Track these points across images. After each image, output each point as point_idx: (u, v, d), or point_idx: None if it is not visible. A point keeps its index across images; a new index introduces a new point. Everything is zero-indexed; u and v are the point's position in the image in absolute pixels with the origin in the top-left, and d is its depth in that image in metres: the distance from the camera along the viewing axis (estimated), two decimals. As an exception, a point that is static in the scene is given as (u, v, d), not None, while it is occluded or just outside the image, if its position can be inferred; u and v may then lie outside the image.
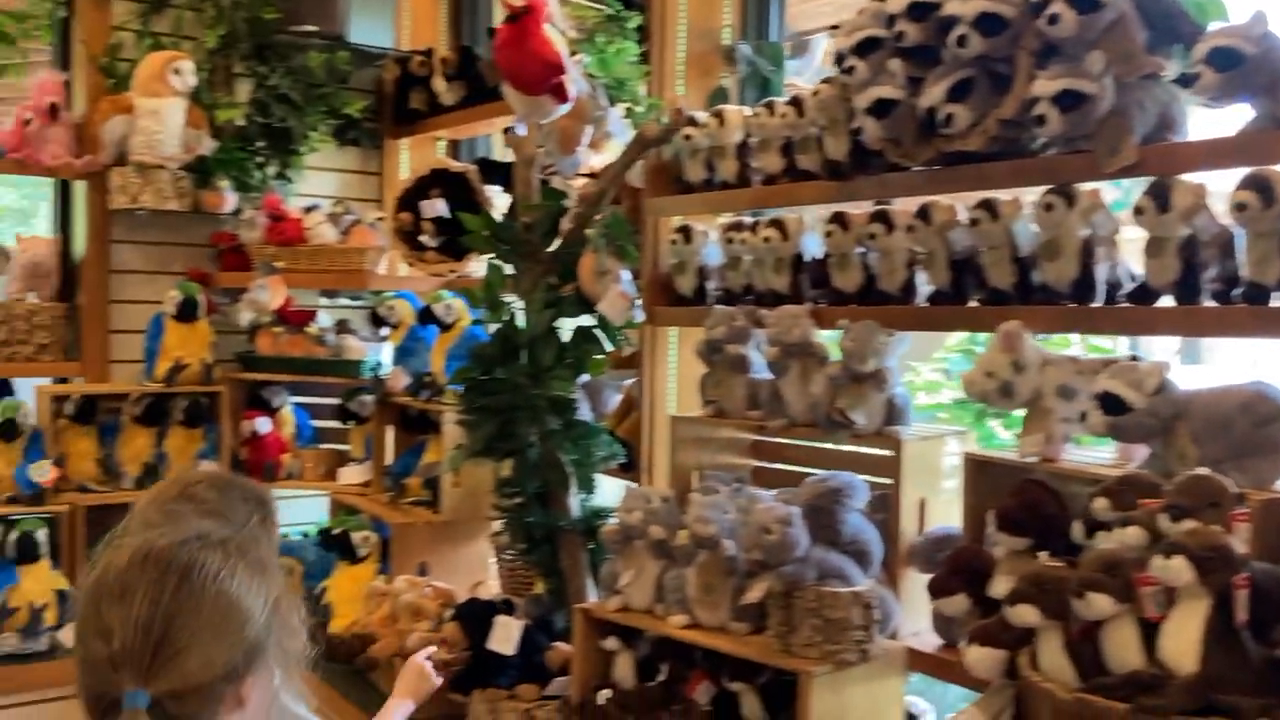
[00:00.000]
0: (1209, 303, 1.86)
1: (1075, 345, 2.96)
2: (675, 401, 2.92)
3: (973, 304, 2.22)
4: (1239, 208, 1.75)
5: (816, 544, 2.08)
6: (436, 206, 3.66)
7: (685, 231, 2.76)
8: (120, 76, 3.68)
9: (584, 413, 2.71)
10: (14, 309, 3.64)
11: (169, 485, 1.75)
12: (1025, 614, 1.52)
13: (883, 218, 2.32)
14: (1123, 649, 1.44)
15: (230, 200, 3.80)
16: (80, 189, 3.76)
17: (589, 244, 2.53)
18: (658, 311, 2.84)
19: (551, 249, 2.62)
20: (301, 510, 3.99)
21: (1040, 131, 1.95)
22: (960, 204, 2.24)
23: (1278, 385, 1.79)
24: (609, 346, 2.61)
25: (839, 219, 2.40)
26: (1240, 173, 1.79)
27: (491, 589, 3.26)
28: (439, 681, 2.11)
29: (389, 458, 3.66)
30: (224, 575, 1.21)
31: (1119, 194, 2.18)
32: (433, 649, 2.18)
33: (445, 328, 3.44)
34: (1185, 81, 1.82)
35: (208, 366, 3.70)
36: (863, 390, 2.28)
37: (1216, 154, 1.86)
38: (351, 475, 3.74)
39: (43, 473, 3.40)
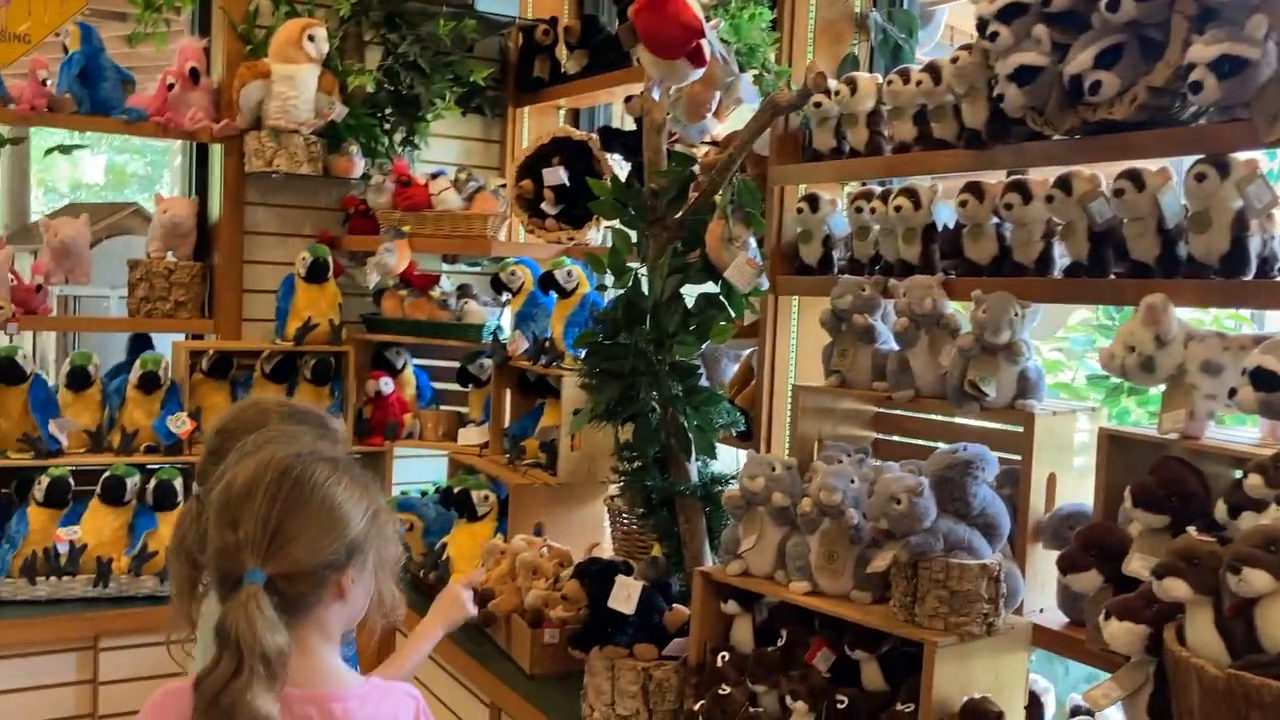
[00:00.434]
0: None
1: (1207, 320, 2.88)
2: (795, 371, 2.92)
3: (1112, 277, 2.17)
4: None
5: (944, 515, 2.07)
6: (558, 174, 3.70)
7: (812, 200, 2.75)
8: (257, 43, 3.80)
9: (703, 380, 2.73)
10: (154, 267, 3.80)
11: (269, 412, 1.98)
12: (1175, 588, 1.49)
13: (1020, 188, 2.28)
14: (1278, 627, 1.40)
15: (359, 165, 3.90)
16: (217, 152, 3.90)
17: (717, 211, 2.53)
18: (781, 280, 2.84)
19: (678, 215, 2.63)
20: (421, 469, 4.10)
21: (1195, 99, 1.89)
22: (1102, 174, 2.19)
23: None
24: (734, 314, 2.61)
25: (974, 189, 2.36)
26: None
27: (607, 551, 3.32)
28: (474, 611, 2.18)
29: (507, 420, 3.73)
30: (330, 483, 1.45)
31: (1275, 165, 2.10)
32: (479, 575, 2.20)
33: (565, 294, 3.48)
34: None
35: (336, 327, 3.81)
36: (995, 362, 2.24)
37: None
38: (470, 436, 3.83)
39: (180, 424, 3.55)
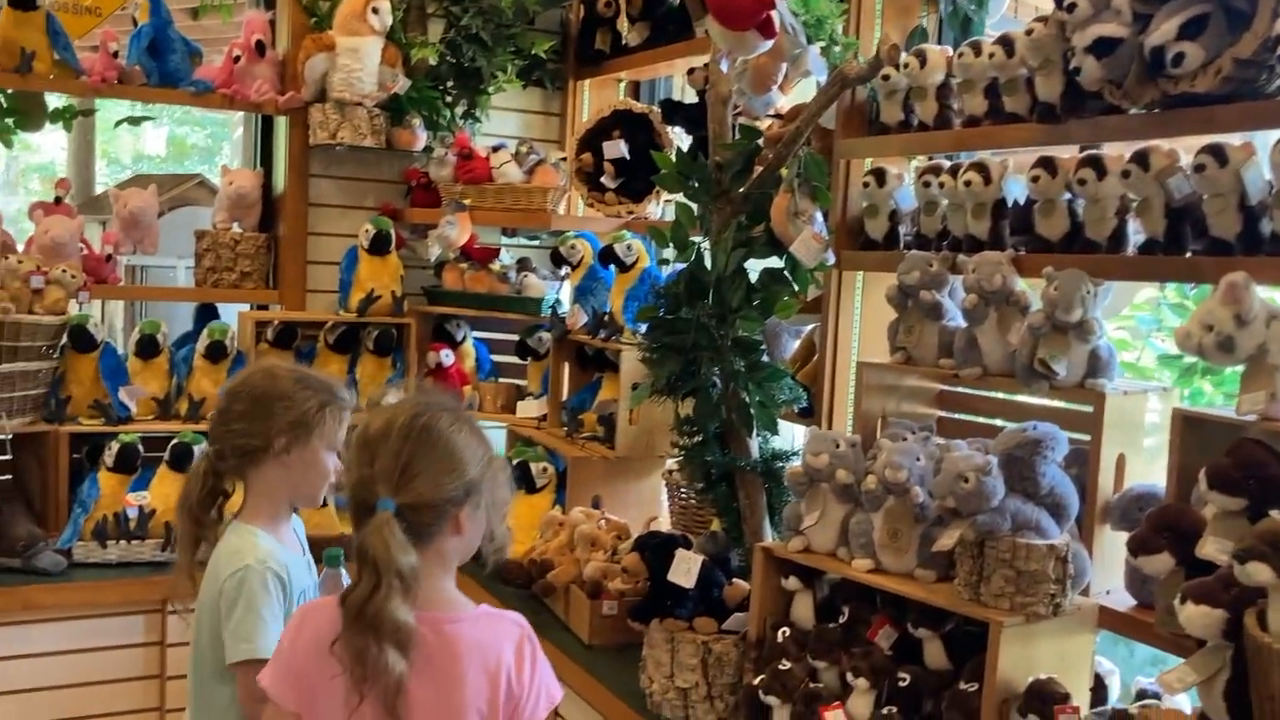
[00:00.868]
0: None
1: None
2: (858, 347, 2.89)
3: (1190, 254, 2.12)
4: None
5: (1012, 495, 2.04)
6: (618, 147, 3.69)
7: (878, 174, 2.71)
8: (322, 15, 3.82)
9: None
10: (220, 238, 3.85)
11: (278, 376, 2.11)
12: (1259, 573, 1.46)
13: (1094, 163, 2.24)
14: (1363, 614, 1.37)
15: (421, 138, 3.92)
16: (281, 125, 3.93)
17: (783, 184, 2.51)
18: (846, 255, 2.81)
19: (742, 189, 2.61)
20: (479, 441, 4.13)
21: (1282, 71, 1.84)
22: (1180, 149, 2.14)
23: None
24: (798, 289, 2.59)
25: (1046, 163, 2.32)
26: None
27: (664, 525, 3.33)
28: None
29: (565, 394, 3.75)
30: (452, 430, 1.63)
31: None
32: None
33: (624, 268, 3.48)
34: None
35: (398, 299, 3.84)
36: (1065, 341, 2.21)
37: None
38: (529, 409, 3.85)
39: (245, 393, 3.59)
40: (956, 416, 2.75)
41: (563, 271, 3.77)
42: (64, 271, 3.43)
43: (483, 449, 1.67)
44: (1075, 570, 2.05)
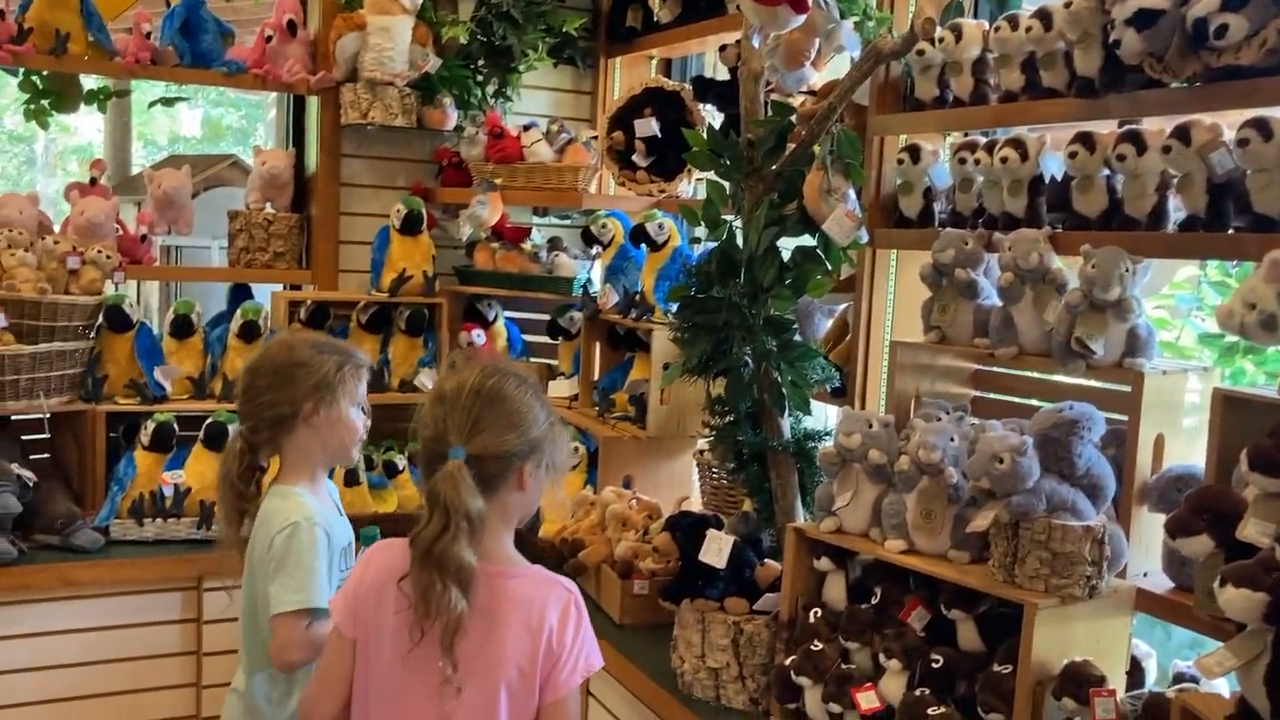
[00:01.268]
0: None
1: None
2: (892, 326, 2.87)
3: (1232, 231, 2.08)
4: None
5: (1048, 475, 2.02)
6: (649, 125, 3.67)
7: (913, 151, 2.68)
8: (353, -5, 3.82)
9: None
10: (253, 218, 3.87)
11: (297, 346, 2.23)
12: (1300, 555, 1.43)
13: (1134, 138, 2.19)
14: None
15: (452, 117, 3.92)
16: (313, 105, 3.94)
17: (816, 162, 2.48)
18: (880, 233, 2.78)
19: (774, 167, 2.59)
20: (510, 420, 4.13)
21: (1330, 43, 1.80)
22: (1223, 123, 2.09)
23: None
24: (831, 267, 2.57)
25: (1085, 139, 2.28)
26: None
27: (695, 505, 3.32)
28: None
29: (596, 373, 3.74)
30: (518, 392, 1.76)
31: None
32: None
33: (656, 247, 3.46)
34: None
35: (429, 279, 3.85)
36: (1103, 319, 2.17)
37: None
38: (560, 389, 3.85)
39: (279, 373, 3.62)
40: (991, 396, 2.72)
41: (594, 251, 3.76)
42: (100, 252, 3.46)
43: (545, 413, 1.79)
44: (1112, 552, 2.03)
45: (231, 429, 3.41)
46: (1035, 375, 2.59)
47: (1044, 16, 2.32)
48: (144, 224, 3.78)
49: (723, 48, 3.33)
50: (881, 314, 2.86)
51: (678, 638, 2.54)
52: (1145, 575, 2.19)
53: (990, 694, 1.99)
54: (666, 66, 4.24)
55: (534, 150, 3.75)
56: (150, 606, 3.36)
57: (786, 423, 2.67)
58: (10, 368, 3.24)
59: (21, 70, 3.67)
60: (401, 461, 3.76)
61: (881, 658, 2.18)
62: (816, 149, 2.49)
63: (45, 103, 3.79)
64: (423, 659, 1.70)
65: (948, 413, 2.37)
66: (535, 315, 4.15)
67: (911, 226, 2.74)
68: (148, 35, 3.59)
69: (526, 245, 3.91)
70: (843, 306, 3.08)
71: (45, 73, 3.74)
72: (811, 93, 2.99)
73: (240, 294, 3.99)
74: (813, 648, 2.27)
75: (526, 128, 3.80)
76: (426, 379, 3.83)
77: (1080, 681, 1.90)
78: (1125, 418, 2.20)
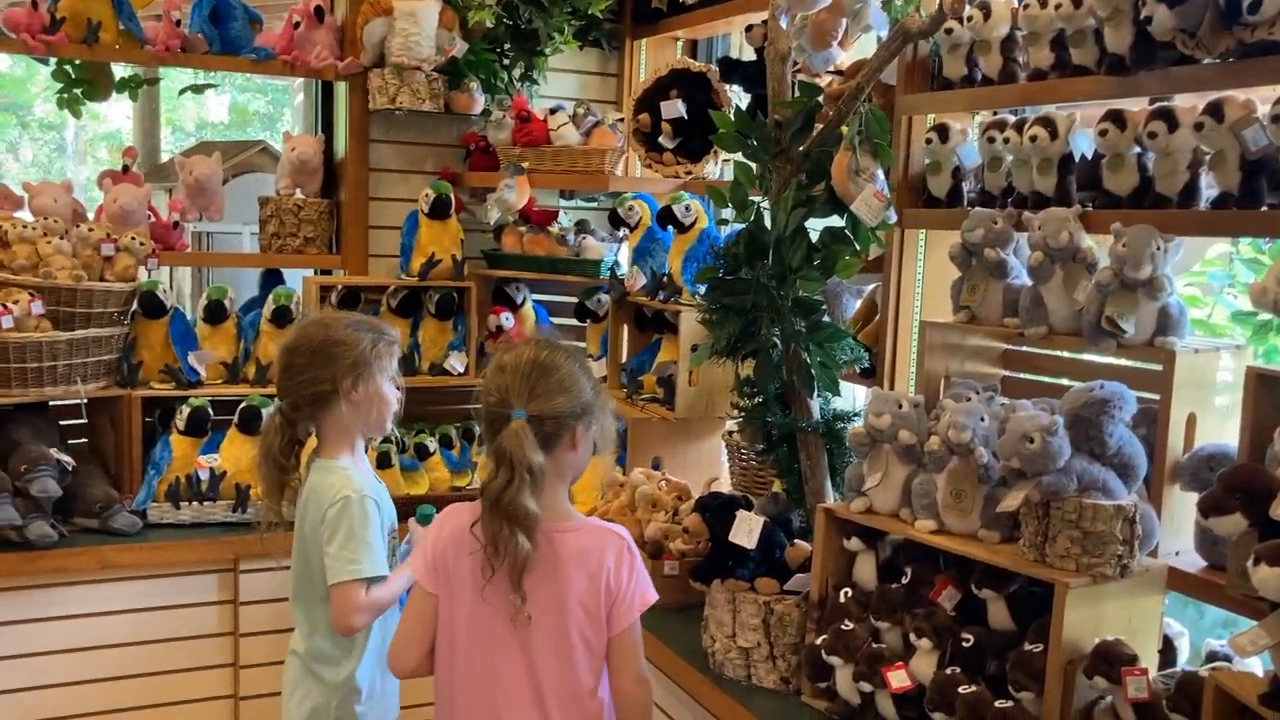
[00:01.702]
0: None
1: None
2: (920, 307, 2.86)
3: (1266, 208, 2.06)
4: None
5: (1079, 455, 2.02)
6: (676, 107, 3.67)
7: (941, 130, 2.67)
8: (379, -20, 3.82)
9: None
10: (283, 204, 3.90)
11: (330, 325, 2.36)
12: (1334, 533, 1.43)
13: (1165, 115, 2.18)
14: None
15: (479, 101, 3.92)
16: (341, 90, 3.96)
17: (844, 142, 2.48)
18: (908, 213, 2.77)
19: (802, 147, 2.58)
20: (539, 402, 4.16)
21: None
22: (1257, 99, 2.07)
23: None
24: (859, 248, 2.57)
25: (1115, 117, 2.27)
26: None
27: (725, 486, 3.34)
28: None
29: (624, 356, 3.76)
30: (568, 362, 1.96)
31: None
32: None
33: (683, 229, 3.47)
34: None
35: (458, 262, 3.87)
36: (1134, 298, 2.17)
37: None
38: (588, 371, 3.85)
39: (311, 357, 3.65)
40: (1021, 376, 2.72)
41: (621, 233, 3.77)
42: (133, 239, 3.50)
43: (592, 381, 2.00)
44: (1143, 531, 2.03)
45: (265, 412, 3.46)
46: (1065, 355, 2.59)
47: (1074, -7, 2.30)
48: (176, 210, 3.82)
49: (749, 28, 3.32)
50: (910, 294, 2.86)
51: (708, 618, 2.56)
52: (1177, 554, 2.19)
53: (1021, 673, 1.99)
54: (692, 48, 4.23)
55: (560, 133, 3.76)
56: (188, 588, 3.41)
57: (816, 404, 2.67)
58: (48, 354, 3.29)
59: (54, 59, 3.70)
60: (432, 444, 3.79)
61: (912, 637, 2.19)
62: (844, 129, 2.48)
63: (78, 91, 3.83)
64: (498, 596, 1.94)
65: (977, 393, 2.37)
66: (563, 298, 4.16)
67: (940, 206, 2.73)
68: (177, 23, 3.62)
69: (554, 228, 3.92)
70: (871, 287, 3.07)
71: (78, 62, 3.77)
72: (839, 73, 2.98)
73: (271, 279, 4.03)
74: (843, 627, 2.28)
75: (553, 111, 3.80)
76: (456, 362, 3.85)
77: (1112, 660, 1.90)
78: (1157, 397, 2.19)
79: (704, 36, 4.14)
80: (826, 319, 2.66)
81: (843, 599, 2.35)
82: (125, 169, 3.75)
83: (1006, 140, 2.49)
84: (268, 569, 3.43)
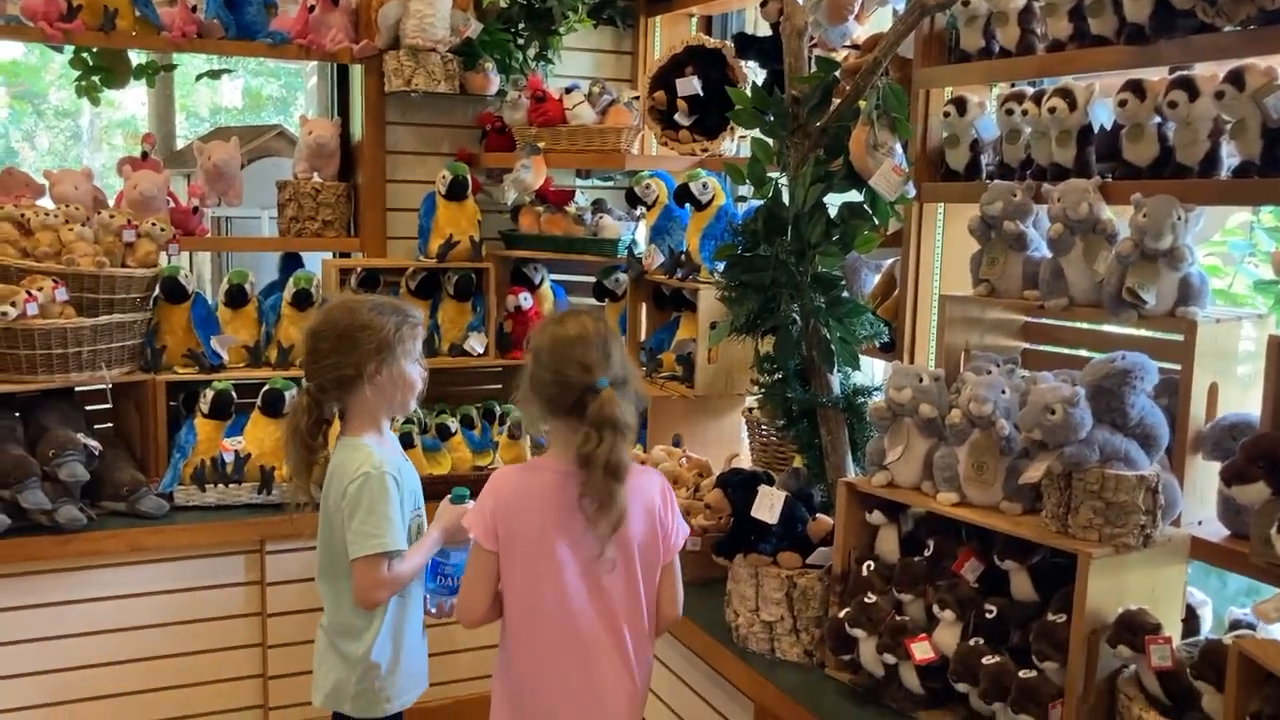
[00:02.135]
0: None
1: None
2: (940, 281, 2.86)
3: (1287, 176, 2.06)
4: None
5: (1100, 426, 2.02)
6: (691, 84, 3.66)
7: (959, 103, 2.66)
8: (393, -38, 3.82)
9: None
10: (301, 187, 3.91)
11: (355, 308, 2.40)
12: (1358, 499, 1.43)
13: (1185, 84, 2.17)
14: None
15: (494, 82, 3.93)
16: (357, 73, 3.97)
17: (862, 116, 2.47)
18: (926, 187, 2.77)
19: (820, 123, 2.58)
20: (559, 382, 4.18)
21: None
22: (1278, 67, 2.06)
23: None
24: (878, 223, 2.57)
25: (1135, 87, 2.26)
26: None
27: (745, 462, 3.35)
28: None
29: (643, 334, 3.76)
30: (612, 334, 2.13)
31: None
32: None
33: (700, 206, 3.47)
34: None
35: (476, 243, 3.88)
36: (1155, 269, 2.16)
37: None
38: (607, 350, 3.87)
39: (332, 339, 3.68)
40: (1042, 349, 2.72)
41: (638, 212, 3.77)
42: (154, 225, 3.53)
43: (626, 351, 2.21)
44: (1166, 501, 2.03)
45: (289, 395, 3.49)
46: (1085, 327, 2.59)
47: (1092, -37, 2.29)
48: (195, 196, 3.84)
49: (764, 3, 3.30)
50: (930, 268, 2.86)
51: (731, 592, 2.58)
52: (1200, 524, 2.19)
53: (1045, 643, 2.01)
54: (707, 24, 4.22)
55: (576, 113, 3.76)
56: (215, 570, 3.45)
57: (835, 379, 2.68)
58: (73, 340, 3.32)
59: (71, 47, 3.72)
60: (454, 424, 3.81)
61: (935, 609, 2.21)
62: (862, 104, 2.48)
63: (96, 79, 3.85)
64: (582, 546, 2.09)
65: (998, 365, 2.37)
66: (581, 277, 4.17)
67: (959, 179, 2.72)
68: (193, 9, 3.63)
69: (571, 208, 3.92)
70: (890, 261, 3.07)
71: (95, 49, 3.79)
72: (855, 47, 2.98)
73: (291, 263, 4.05)
74: (866, 600, 2.30)
75: (568, 90, 3.80)
76: (476, 343, 3.87)
77: (1135, 629, 1.91)
78: (1178, 367, 2.19)
79: (718, 12, 4.13)
80: (846, 294, 2.67)
81: (865, 572, 2.36)
82: (144, 155, 3.77)
83: (1025, 112, 2.48)
84: (294, 549, 3.47)
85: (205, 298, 3.74)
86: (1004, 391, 2.17)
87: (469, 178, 3.87)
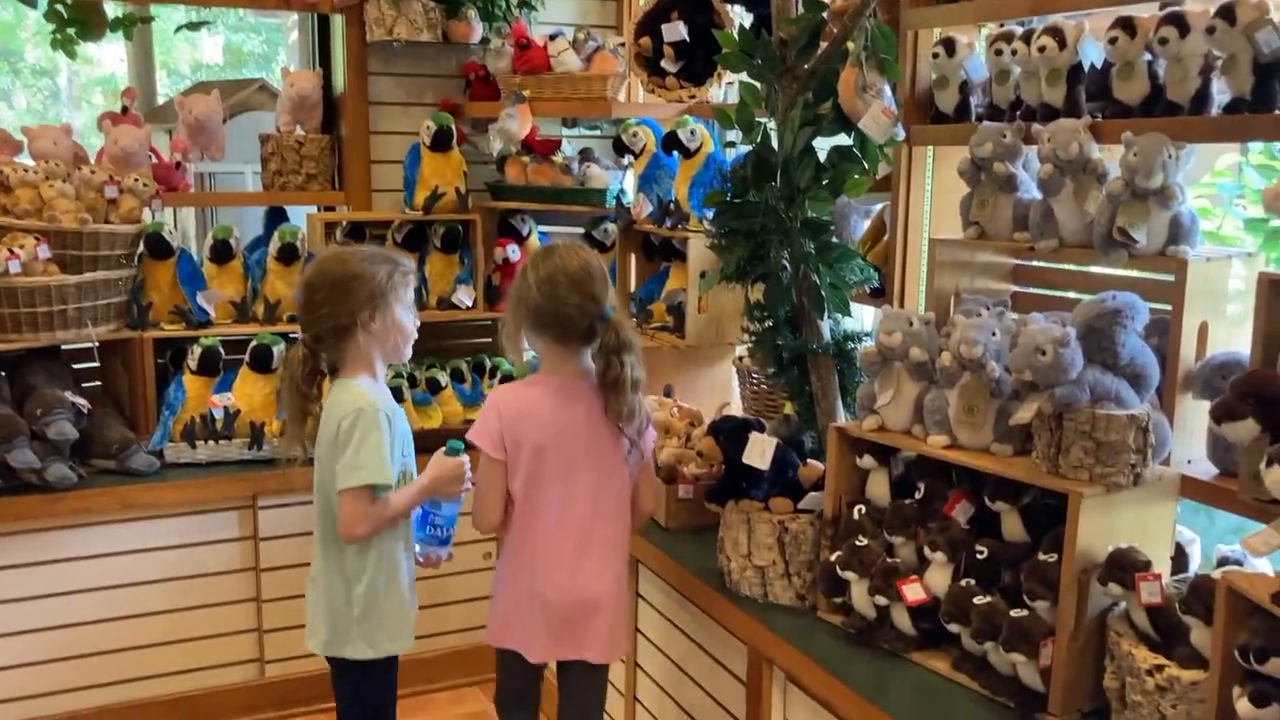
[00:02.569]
0: None
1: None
2: (930, 224, 2.85)
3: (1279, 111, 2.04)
4: None
5: (1091, 366, 2.02)
6: (677, 29, 3.62)
7: (948, 44, 2.63)
8: (372, -92, 3.75)
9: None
10: (284, 141, 3.87)
11: (348, 259, 2.45)
12: (1348, 431, 1.43)
13: (1176, 20, 2.14)
14: None
15: (477, 30, 3.87)
16: (338, 24, 3.91)
17: (850, 58, 2.44)
18: (916, 130, 2.75)
19: (808, 65, 2.55)
20: (549, 333, 4.16)
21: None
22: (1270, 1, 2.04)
23: None
24: (868, 166, 2.55)
25: (1125, 24, 2.23)
26: None
27: (736, 410, 3.35)
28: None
29: (633, 285, 3.75)
30: (602, 262, 2.39)
31: None
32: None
33: (688, 154, 3.44)
34: None
35: (462, 195, 3.84)
36: (1146, 208, 2.15)
37: None
38: (596, 300, 3.85)
39: (319, 294, 3.65)
40: (1031, 291, 2.71)
41: (626, 160, 3.74)
42: (137, 180, 3.49)
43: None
44: (1156, 440, 2.04)
45: (277, 350, 3.48)
46: (1076, 268, 2.58)
47: (1082, -103, 2.25)
48: (178, 151, 3.79)
49: (752, -54, 3.27)
50: (919, 212, 2.84)
51: (724, 538, 2.59)
52: (1190, 462, 2.20)
53: (1036, 582, 2.02)
54: (693, -32, 4.15)
55: (561, 60, 3.71)
56: (207, 526, 3.46)
57: (826, 325, 2.68)
58: (57, 298, 3.29)
59: (46, 0, 3.66)
60: (444, 378, 3.80)
61: (926, 551, 2.22)
62: (850, 45, 2.45)
63: (71, 31, 3.79)
64: (579, 451, 2.37)
65: (988, 308, 2.37)
66: (569, 228, 4.14)
67: (948, 122, 2.70)
68: (169, -42, 3.57)
69: (557, 158, 3.89)
70: (879, 206, 3.06)
71: (70, 1, 3.72)
72: (843, -12, 2.93)
73: (276, 217, 4.01)
74: (858, 543, 2.31)
75: (553, 37, 3.75)
76: (464, 296, 3.85)
77: (1125, 567, 1.92)
78: (1169, 306, 2.19)
79: (704, -44, 4.06)
80: (835, 240, 2.65)
81: (857, 516, 2.37)
82: (125, 110, 3.72)
83: (1014, 52, 2.45)
84: (286, 504, 3.48)
85: (190, 254, 3.71)
86: (994, 334, 2.17)
87: (454, 128, 3.83)
